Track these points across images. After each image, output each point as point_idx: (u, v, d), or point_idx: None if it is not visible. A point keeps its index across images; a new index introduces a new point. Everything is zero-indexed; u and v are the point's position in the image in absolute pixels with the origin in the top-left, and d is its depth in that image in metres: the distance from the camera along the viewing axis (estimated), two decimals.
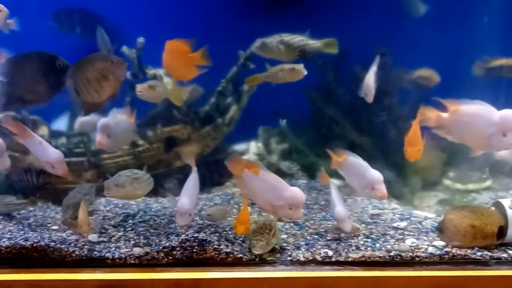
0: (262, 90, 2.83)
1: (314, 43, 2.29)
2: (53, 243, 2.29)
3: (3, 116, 2.44)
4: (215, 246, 2.23)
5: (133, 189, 2.27)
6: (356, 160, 2.25)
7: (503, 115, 2.04)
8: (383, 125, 2.68)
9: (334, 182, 2.40)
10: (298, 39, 2.24)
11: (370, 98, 2.31)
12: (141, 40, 2.78)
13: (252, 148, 3.23)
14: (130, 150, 2.84)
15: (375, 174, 2.17)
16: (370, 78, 2.34)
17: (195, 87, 3.01)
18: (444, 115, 2.15)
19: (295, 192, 2.14)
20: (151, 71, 2.88)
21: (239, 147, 3.31)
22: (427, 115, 2.16)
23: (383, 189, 2.14)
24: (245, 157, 3.21)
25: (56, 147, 2.71)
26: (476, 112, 2.09)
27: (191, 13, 3.11)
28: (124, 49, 2.85)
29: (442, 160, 2.93)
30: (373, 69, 2.36)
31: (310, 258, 2.19)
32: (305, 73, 2.24)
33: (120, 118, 2.45)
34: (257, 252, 2.16)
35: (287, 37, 2.25)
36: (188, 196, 2.26)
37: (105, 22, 2.97)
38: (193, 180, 2.35)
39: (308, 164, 3.05)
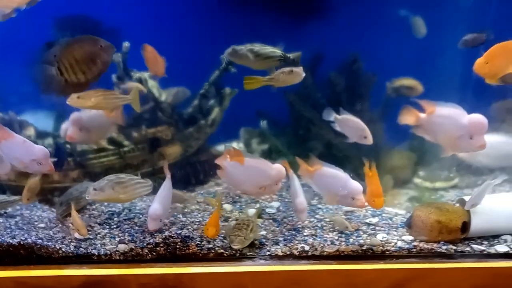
0: (243, 93, 2.87)
1: (286, 55, 2.33)
2: (40, 241, 2.31)
3: None
4: (197, 242, 2.28)
5: (113, 193, 2.25)
6: (334, 171, 2.28)
7: (472, 119, 2.12)
8: None
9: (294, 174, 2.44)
10: (268, 50, 2.29)
11: (370, 140, 2.35)
12: (126, 44, 2.80)
13: None
14: (116, 150, 2.86)
15: (356, 185, 2.22)
16: (357, 121, 2.38)
17: (182, 89, 3.05)
18: (422, 115, 2.23)
19: (279, 167, 2.26)
20: (136, 74, 2.89)
21: (221, 147, 3.35)
22: (408, 114, 2.24)
23: (362, 199, 2.21)
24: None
25: None
26: (448, 114, 2.17)
27: (176, 17, 3.14)
28: None
29: (413, 160, 3.03)
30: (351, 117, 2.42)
31: (288, 252, 2.25)
32: (303, 75, 2.26)
33: (95, 112, 2.42)
34: (235, 247, 2.21)
35: (257, 47, 2.28)
36: (160, 202, 2.29)
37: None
38: (166, 186, 2.36)
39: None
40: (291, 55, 2.32)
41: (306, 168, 2.34)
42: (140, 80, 2.87)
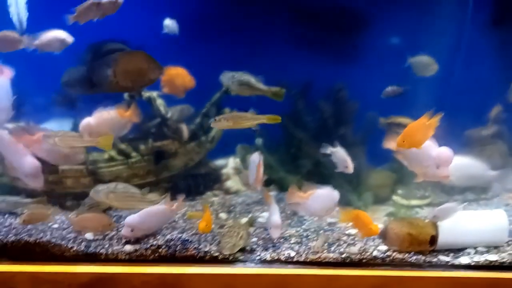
0: None
1: (263, 88, 2.55)
2: (53, 239, 2.47)
3: None
4: (196, 245, 2.45)
5: (107, 200, 2.45)
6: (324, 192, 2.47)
7: (439, 151, 2.30)
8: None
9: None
10: (253, 81, 2.53)
11: (351, 169, 2.54)
12: None
13: (230, 163, 3.46)
14: (124, 161, 3.03)
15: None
16: (341, 152, 2.57)
17: (187, 106, 3.24)
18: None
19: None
20: (146, 94, 3.10)
21: (219, 161, 3.54)
22: (390, 140, 2.42)
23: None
24: (224, 170, 3.46)
25: None
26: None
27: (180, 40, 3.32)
28: None
29: (393, 179, 3.21)
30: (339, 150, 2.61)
31: (276, 258, 2.40)
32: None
33: (106, 116, 2.52)
34: (225, 252, 2.38)
35: (243, 77, 2.53)
36: (141, 215, 2.43)
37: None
38: (158, 207, 2.47)
39: (279, 178, 3.28)
40: (273, 89, 2.55)
41: (300, 196, 2.47)
42: (149, 99, 3.08)
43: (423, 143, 2.20)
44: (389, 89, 2.87)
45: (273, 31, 3.24)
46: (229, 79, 2.52)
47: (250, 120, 2.35)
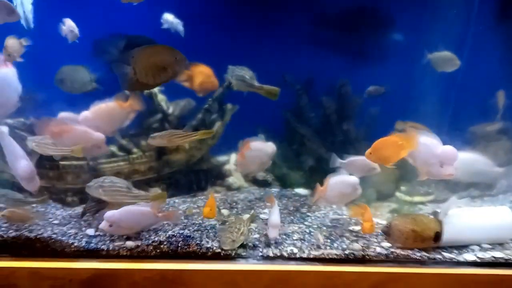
0: (243, 109, 3.06)
1: (256, 85, 2.55)
2: (54, 235, 2.46)
3: None
4: (198, 242, 2.43)
5: (97, 194, 2.46)
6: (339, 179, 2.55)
7: (444, 149, 2.29)
8: (343, 144, 2.95)
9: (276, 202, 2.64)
10: (247, 77, 2.53)
11: (378, 168, 2.58)
12: None
13: (232, 159, 3.45)
14: (125, 157, 3.03)
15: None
16: (362, 158, 2.51)
17: (188, 100, 3.23)
18: None
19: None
20: None
21: (221, 158, 3.53)
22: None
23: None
24: (226, 166, 3.45)
25: None
26: (425, 142, 2.33)
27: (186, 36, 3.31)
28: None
29: (396, 176, 3.19)
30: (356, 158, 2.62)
31: (278, 254, 2.39)
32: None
33: (104, 108, 2.51)
34: (225, 248, 2.38)
35: (241, 72, 2.54)
36: (120, 211, 2.41)
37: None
38: (139, 208, 2.46)
39: (281, 175, 3.28)
40: (266, 87, 2.54)
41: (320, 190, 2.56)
42: (150, 94, 3.07)
43: (393, 161, 2.26)
44: (372, 88, 2.88)
45: (279, 25, 3.21)
46: (230, 73, 2.52)
47: (184, 137, 2.44)
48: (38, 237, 2.45)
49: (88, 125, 2.49)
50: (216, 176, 3.31)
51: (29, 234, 2.46)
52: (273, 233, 2.42)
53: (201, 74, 2.63)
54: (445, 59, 2.97)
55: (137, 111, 2.55)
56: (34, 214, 2.61)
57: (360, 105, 2.99)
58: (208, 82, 2.65)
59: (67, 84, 2.75)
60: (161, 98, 3.12)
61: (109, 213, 2.40)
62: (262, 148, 2.69)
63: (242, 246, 2.44)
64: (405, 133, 2.27)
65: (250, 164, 2.66)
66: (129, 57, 2.22)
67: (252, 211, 2.91)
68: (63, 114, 2.62)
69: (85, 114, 2.52)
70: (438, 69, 2.98)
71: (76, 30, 2.72)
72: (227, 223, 2.57)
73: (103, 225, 2.40)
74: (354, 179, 2.52)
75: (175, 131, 2.42)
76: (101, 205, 2.61)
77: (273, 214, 2.48)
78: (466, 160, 2.54)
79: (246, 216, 2.79)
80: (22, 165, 2.45)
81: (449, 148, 2.30)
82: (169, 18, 3.10)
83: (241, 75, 2.51)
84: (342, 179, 2.53)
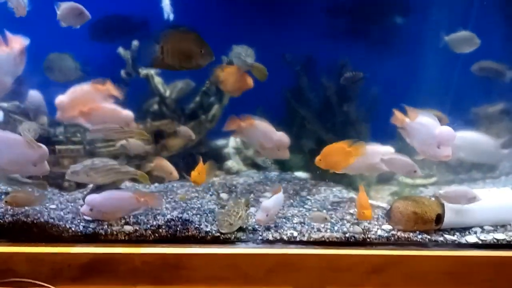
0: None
1: (248, 62, 2.53)
2: (51, 220, 2.44)
3: None
4: (196, 225, 2.42)
5: (87, 178, 2.43)
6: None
7: (441, 130, 2.27)
8: (344, 125, 2.92)
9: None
10: (243, 54, 2.51)
11: (419, 171, 2.47)
12: (135, 43, 2.95)
13: (231, 143, 3.42)
14: None
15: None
16: (399, 157, 2.51)
17: (186, 83, 3.18)
18: (407, 119, 2.40)
19: (281, 135, 2.50)
20: (143, 71, 3.04)
21: (220, 141, 3.49)
22: (397, 115, 2.42)
23: None
24: (225, 150, 3.42)
25: (55, 135, 2.88)
26: (423, 122, 2.33)
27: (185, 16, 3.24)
28: (120, 49, 3.01)
29: None
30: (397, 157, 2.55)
31: (278, 238, 2.39)
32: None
33: (79, 91, 2.45)
34: (222, 231, 2.37)
35: (240, 49, 2.53)
36: (102, 195, 2.37)
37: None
38: (121, 192, 2.46)
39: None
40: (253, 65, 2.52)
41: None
42: (147, 77, 3.02)
43: (341, 167, 2.31)
44: (348, 74, 2.84)
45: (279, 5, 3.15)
46: (232, 53, 2.49)
47: (121, 133, 2.46)
48: (35, 222, 2.43)
49: (64, 109, 2.44)
50: (215, 160, 3.29)
51: (26, 219, 2.44)
52: (259, 215, 2.37)
53: (233, 75, 2.59)
54: (464, 39, 2.89)
55: (115, 97, 2.50)
56: (37, 197, 2.58)
57: (361, 86, 2.94)
58: (240, 81, 2.59)
59: (55, 72, 2.70)
60: (157, 80, 3.07)
61: (90, 197, 2.36)
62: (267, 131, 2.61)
63: (242, 230, 2.43)
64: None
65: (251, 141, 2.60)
66: (161, 36, 2.22)
67: (252, 195, 2.89)
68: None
69: (60, 98, 2.47)
70: (456, 50, 2.91)
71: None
72: (226, 207, 2.56)
73: (84, 209, 2.36)
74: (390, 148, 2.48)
75: (112, 126, 2.41)
76: (109, 186, 2.57)
77: (270, 199, 2.45)
78: (472, 139, 2.51)
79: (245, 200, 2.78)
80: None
81: (447, 129, 2.28)
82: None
83: (238, 52, 2.47)
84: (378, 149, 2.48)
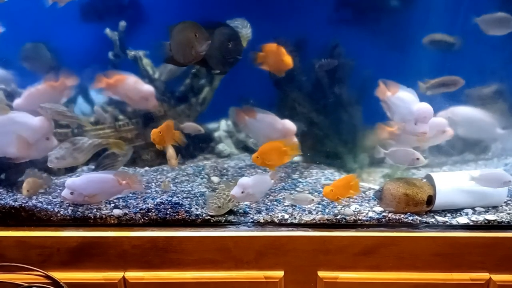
0: (232, 74, 2.96)
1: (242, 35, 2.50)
2: (39, 204, 2.43)
3: None
4: (187, 209, 2.41)
5: (73, 159, 2.41)
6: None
7: (419, 106, 2.25)
8: (335, 108, 2.90)
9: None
10: (242, 25, 2.50)
11: (423, 159, 2.43)
12: (122, 23, 2.89)
13: (222, 126, 3.38)
14: (111, 124, 2.96)
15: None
16: (401, 149, 2.46)
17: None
18: (388, 93, 2.37)
19: (286, 122, 2.45)
20: (131, 53, 2.98)
21: (211, 125, 3.46)
22: (381, 88, 2.39)
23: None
24: (216, 133, 3.39)
25: None
26: (403, 98, 2.31)
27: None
28: (107, 31, 2.95)
29: None
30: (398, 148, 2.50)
31: (269, 220, 2.38)
32: None
33: (35, 92, 2.38)
34: (210, 213, 2.36)
35: (235, 23, 2.51)
36: (82, 178, 2.33)
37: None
38: (100, 175, 2.40)
39: None
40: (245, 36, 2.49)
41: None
42: (135, 58, 2.97)
43: (276, 165, 2.32)
44: (324, 61, 2.79)
45: None
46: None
47: (70, 118, 2.44)
48: (23, 206, 2.41)
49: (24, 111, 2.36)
50: (206, 143, 3.26)
51: (14, 203, 2.42)
52: (233, 190, 2.32)
53: (273, 54, 2.48)
54: (498, 21, 2.74)
55: (72, 86, 2.44)
56: (45, 178, 2.59)
57: (353, 68, 2.91)
58: (280, 61, 2.47)
59: (31, 62, 2.64)
60: (146, 62, 3.01)
61: (70, 180, 2.32)
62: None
63: (233, 212, 2.43)
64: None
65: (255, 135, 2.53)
66: (169, 32, 2.19)
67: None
68: None
69: (17, 101, 2.40)
70: (488, 32, 2.82)
71: None
72: (216, 190, 2.54)
73: (64, 192, 2.32)
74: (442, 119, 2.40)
75: (62, 109, 2.36)
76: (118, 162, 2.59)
77: (249, 177, 2.39)
78: (472, 115, 2.48)
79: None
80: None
81: (424, 106, 2.26)
82: None
83: (235, 26, 2.42)
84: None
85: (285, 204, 2.50)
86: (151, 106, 2.45)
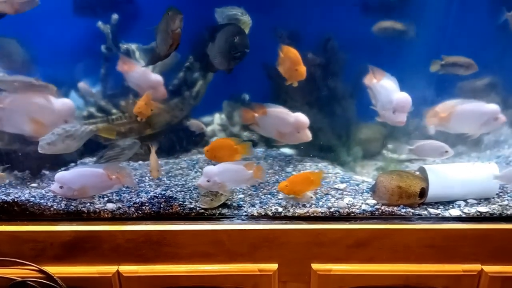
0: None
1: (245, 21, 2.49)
2: (32, 198, 2.41)
3: None
4: (180, 202, 2.41)
5: (65, 146, 2.35)
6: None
7: (397, 96, 2.29)
8: (329, 101, 2.89)
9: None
10: (241, 12, 2.49)
11: (451, 151, 2.44)
12: (115, 16, 2.87)
13: (216, 120, 3.37)
14: (104, 118, 2.94)
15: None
16: (433, 142, 2.47)
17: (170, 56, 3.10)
18: (374, 80, 2.41)
19: (298, 115, 2.45)
20: (124, 46, 2.96)
21: (205, 118, 3.45)
22: (368, 75, 2.43)
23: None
24: (209, 127, 3.38)
25: None
26: (385, 85, 2.34)
27: None
28: (99, 24, 2.92)
29: (383, 133, 3.16)
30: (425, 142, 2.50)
31: (263, 213, 2.39)
32: None
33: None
34: (202, 206, 2.35)
35: (230, 11, 2.48)
36: (71, 172, 2.32)
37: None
38: (90, 169, 2.39)
39: None
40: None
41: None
42: (127, 51, 2.95)
43: (226, 161, 2.36)
44: (310, 55, 2.79)
45: None
46: (220, 17, 2.42)
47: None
48: (15, 200, 2.40)
49: None
50: (200, 137, 3.25)
51: (6, 197, 2.41)
52: (199, 180, 2.34)
53: (288, 60, 2.45)
54: None
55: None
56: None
57: (347, 61, 2.90)
58: (293, 70, 2.43)
59: (2, 58, 2.60)
60: (139, 55, 2.99)
61: (60, 174, 2.30)
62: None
63: (227, 206, 2.43)
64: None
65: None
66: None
67: None
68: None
69: None
70: None
71: None
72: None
73: (54, 187, 2.31)
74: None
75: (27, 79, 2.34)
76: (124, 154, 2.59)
77: (215, 166, 2.36)
78: (475, 109, 2.41)
79: None
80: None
81: (403, 96, 2.29)
82: None
83: (234, 13, 2.40)
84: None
85: (279, 197, 2.50)
86: (160, 95, 2.46)
